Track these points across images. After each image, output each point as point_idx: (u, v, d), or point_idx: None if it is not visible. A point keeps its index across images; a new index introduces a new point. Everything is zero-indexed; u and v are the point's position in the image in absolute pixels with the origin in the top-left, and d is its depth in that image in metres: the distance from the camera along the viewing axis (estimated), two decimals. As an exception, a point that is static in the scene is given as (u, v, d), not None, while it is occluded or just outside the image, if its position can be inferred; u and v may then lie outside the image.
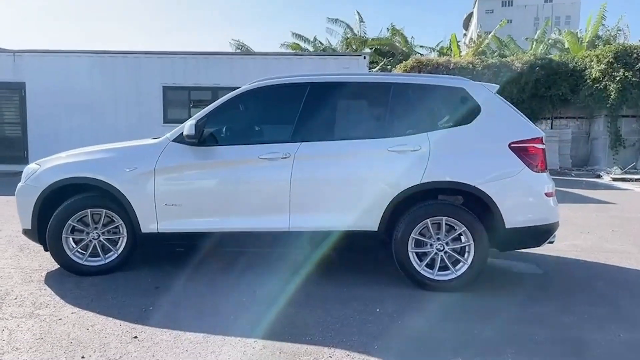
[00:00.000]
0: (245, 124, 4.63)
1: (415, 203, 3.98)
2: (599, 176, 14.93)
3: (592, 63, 16.56)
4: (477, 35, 30.17)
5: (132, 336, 3.06)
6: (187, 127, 4.02)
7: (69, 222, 4.13)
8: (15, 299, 3.67)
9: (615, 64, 15.82)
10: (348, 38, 28.27)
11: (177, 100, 13.56)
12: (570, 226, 6.71)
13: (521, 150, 3.93)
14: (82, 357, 2.78)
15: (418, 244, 3.97)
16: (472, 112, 4.07)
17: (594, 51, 17.40)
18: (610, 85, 15.82)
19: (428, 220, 3.91)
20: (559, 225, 4.10)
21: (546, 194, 3.97)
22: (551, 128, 17.81)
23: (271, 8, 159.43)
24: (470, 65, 17.36)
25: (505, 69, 17.10)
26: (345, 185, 4.02)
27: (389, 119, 4.18)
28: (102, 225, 4.23)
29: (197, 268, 4.43)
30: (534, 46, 25.31)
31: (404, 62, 19.48)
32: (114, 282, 4.07)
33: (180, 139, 4.11)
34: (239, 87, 4.36)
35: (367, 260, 4.87)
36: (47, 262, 4.52)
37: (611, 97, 15.76)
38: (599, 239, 6.09)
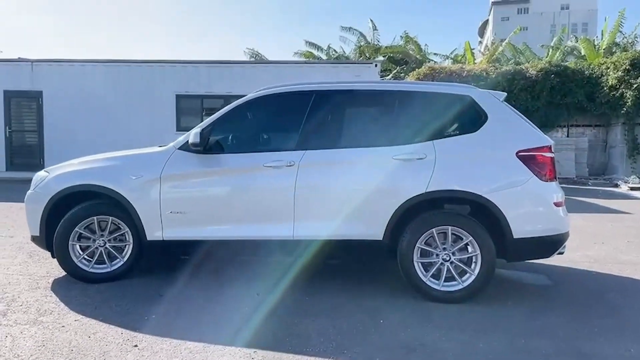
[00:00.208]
0: (251, 131, 4.64)
1: (421, 212, 3.93)
2: (616, 185, 14.63)
3: (609, 70, 16.29)
4: (491, 42, 29.98)
5: (132, 345, 3.06)
6: (193, 135, 4.03)
7: (76, 229, 4.17)
8: (21, 305, 3.71)
9: (632, 71, 15.54)
10: (361, 46, 28.31)
11: (189, 108, 13.73)
12: (583, 236, 6.57)
13: (529, 159, 3.86)
14: (82, 365, 2.79)
15: (424, 253, 3.91)
16: (478, 120, 4.01)
17: (611, 58, 17.13)
18: (627, 92, 15.55)
19: (434, 229, 3.86)
20: (569, 235, 4.01)
21: (555, 204, 3.89)
22: (567, 136, 17.54)
23: (286, 17, 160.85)
24: (484, 73, 17.21)
25: (520, 76, 16.89)
26: (350, 193, 3.98)
27: (394, 127, 4.15)
28: (108, 232, 4.25)
29: (202, 276, 4.43)
30: (550, 53, 25.02)
31: (417, 69, 19.41)
32: (119, 289, 4.08)
33: (185, 147, 4.13)
34: None
35: (373, 270, 4.82)
36: (55, 269, 4.56)
37: (628, 104, 15.50)
38: (613, 249, 5.94)
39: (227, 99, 13.04)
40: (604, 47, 21.74)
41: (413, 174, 3.90)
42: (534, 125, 4.15)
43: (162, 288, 4.13)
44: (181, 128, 13.31)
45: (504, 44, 25.59)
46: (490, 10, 70.31)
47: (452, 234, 3.86)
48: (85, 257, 4.25)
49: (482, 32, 71.69)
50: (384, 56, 26.05)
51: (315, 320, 3.49)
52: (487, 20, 70.52)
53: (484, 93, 4.15)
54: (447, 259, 3.87)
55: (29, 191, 4.38)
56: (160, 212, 4.11)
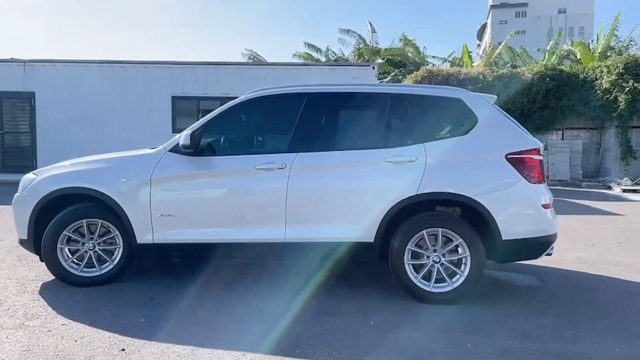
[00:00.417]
0: (242, 134, 4.61)
1: (412, 214, 3.92)
2: (609, 187, 14.71)
3: (603, 74, 16.38)
4: (489, 45, 30.06)
5: (119, 349, 3.03)
6: (183, 137, 4.01)
7: (65, 232, 4.13)
8: (8, 309, 3.67)
9: (625, 75, 15.64)
10: (360, 48, 28.34)
11: (186, 110, 13.70)
12: (575, 238, 6.59)
13: (518, 162, 3.87)
14: (67, 369, 2.76)
15: (414, 255, 3.91)
16: (469, 123, 4.02)
17: (605, 62, 17.23)
18: (620, 96, 15.65)
19: (424, 231, 3.86)
20: (557, 237, 4.03)
21: (543, 206, 3.91)
22: (562, 139, 17.62)
23: (284, 19, 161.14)
24: (481, 76, 17.28)
25: (516, 79, 16.98)
26: (341, 195, 3.98)
27: (385, 130, 4.15)
28: (97, 235, 4.22)
29: (193, 279, 4.41)
30: (546, 57, 25.13)
31: (415, 72, 19.46)
32: (108, 293, 4.05)
33: (176, 149, 4.11)
34: None
35: (364, 272, 4.81)
36: (45, 273, 4.52)
37: (621, 107, 15.59)
38: (603, 251, 5.96)
39: (224, 100, 12.82)
40: (599, 50, 21.83)
41: (404, 177, 3.90)
42: (523, 128, 4.16)
43: (152, 292, 4.10)
44: (177, 130, 13.26)
45: (500, 47, 25.67)
46: (489, 13, 70.67)
47: (443, 235, 3.87)
48: (75, 260, 4.21)
49: (480, 35, 72.02)
50: (382, 59, 26.10)
51: (306, 322, 3.48)
52: (486, 23, 70.83)
53: (474, 96, 4.16)
54: (438, 260, 3.87)
55: (17, 194, 4.35)
56: (151, 215, 4.08)
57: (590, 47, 22.78)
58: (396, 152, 3.96)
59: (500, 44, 26.59)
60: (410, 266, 3.89)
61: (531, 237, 3.87)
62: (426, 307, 3.78)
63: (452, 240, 3.86)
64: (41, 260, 4.25)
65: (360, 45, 28.56)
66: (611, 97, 15.95)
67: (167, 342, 3.12)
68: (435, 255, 3.87)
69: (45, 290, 4.12)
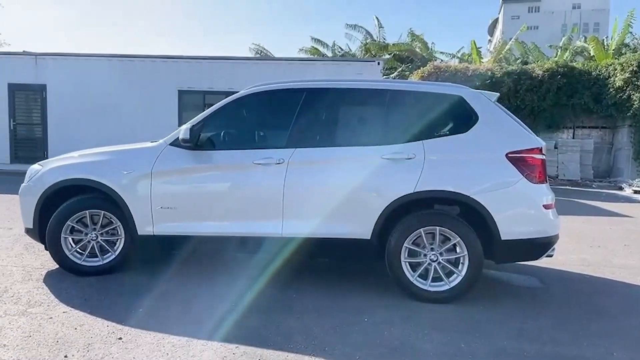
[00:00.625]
0: (241, 128, 4.65)
1: (409, 212, 3.93)
2: (620, 188, 14.51)
3: (616, 71, 16.13)
4: (499, 41, 29.75)
5: (117, 337, 3.10)
6: (183, 131, 4.06)
7: (68, 222, 4.21)
8: (12, 296, 3.76)
9: (639, 73, 15.38)
10: (367, 43, 28.21)
11: (192, 103, 13.76)
12: (580, 239, 6.54)
13: (519, 161, 3.84)
14: (65, 357, 2.83)
15: (411, 253, 3.91)
16: (469, 121, 4.00)
17: (618, 59, 16.96)
18: (634, 94, 15.40)
19: (422, 229, 3.85)
20: (558, 238, 3.99)
21: (545, 206, 3.87)
22: (573, 138, 17.40)
23: (292, 14, 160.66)
24: (489, 72, 17.11)
25: (526, 76, 16.77)
26: (339, 192, 3.99)
27: (384, 126, 4.15)
28: (100, 226, 4.30)
29: (191, 271, 4.48)
30: (558, 53, 24.80)
31: (422, 68, 19.33)
32: (110, 282, 4.13)
33: (176, 143, 4.16)
34: None
35: (361, 269, 4.83)
36: (50, 262, 4.60)
37: (634, 106, 15.34)
38: (609, 253, 5.91)
39: (230, 94, 12.86)
40: (613, 47, 21.51)
41: (402, 174, 3.89)
42: (525, 126, 4.13)
43: (152, 282, 4.17)
44: (183, 123, 13.34)
45: (510, 42, 25.37)
46: (501, 8, 69.70)
47: (440, 234, 3.86)
48: (78, 250, 4.29)
49: (492, 30, 71.14)
50: (390, 54, 25.94)
51: (300, 317, 3.52)
52: (497, 18, 69.96)
53: (475, 93, 4.13)
54: (435, 259, 3.87)
55: (23, 184, 4.45)
56: (151, 207, 4.14)
57: (605, 44, 22.42)
58: (394, 149, 3.96)
59: (510, 39, 26.31)
60: (407, 264, 3.90)
61: (531, 238, 3.83)
62: (422, 306, 3.79)
63: (449, 239, 3.85)
64: (46, 249, 4.34)
65: (367, 41, 28.41)
66: (624, 96, 15.70)
67: (163, 332, 3.18)
68: (433, 254, 3.87)
69: (49, 279, 4.21)
